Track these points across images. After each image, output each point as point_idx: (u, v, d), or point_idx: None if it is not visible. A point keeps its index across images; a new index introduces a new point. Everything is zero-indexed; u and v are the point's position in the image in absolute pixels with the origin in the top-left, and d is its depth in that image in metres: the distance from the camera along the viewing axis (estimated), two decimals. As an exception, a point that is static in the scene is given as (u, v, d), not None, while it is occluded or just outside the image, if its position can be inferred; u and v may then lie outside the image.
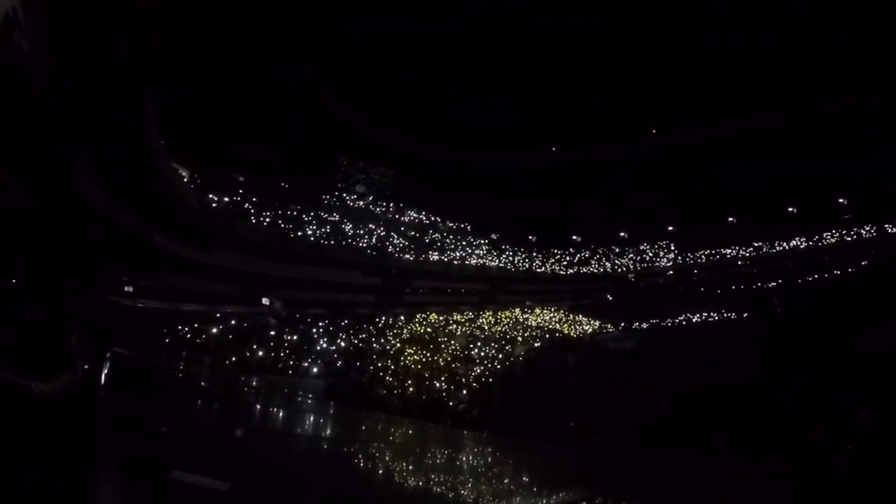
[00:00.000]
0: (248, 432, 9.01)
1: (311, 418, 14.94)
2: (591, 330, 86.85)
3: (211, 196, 57.40)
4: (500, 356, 55.57)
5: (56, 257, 27.05)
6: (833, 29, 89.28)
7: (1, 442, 3.68)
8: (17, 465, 3.53)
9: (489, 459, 13.34)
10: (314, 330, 49.09)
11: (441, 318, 71.36)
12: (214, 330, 40.72)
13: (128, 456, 4.16)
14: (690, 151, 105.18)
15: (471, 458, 13.04)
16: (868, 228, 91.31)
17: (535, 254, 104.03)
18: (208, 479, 4.16)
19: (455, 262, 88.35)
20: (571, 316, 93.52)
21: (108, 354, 10.10)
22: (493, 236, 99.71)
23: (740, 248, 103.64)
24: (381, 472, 7.98)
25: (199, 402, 11.84)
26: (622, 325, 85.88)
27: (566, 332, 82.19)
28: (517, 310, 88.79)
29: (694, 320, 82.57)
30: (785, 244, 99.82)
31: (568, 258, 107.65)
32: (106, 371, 8.53)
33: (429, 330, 63.52)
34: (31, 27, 16.77)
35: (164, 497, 3.89)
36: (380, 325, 61.34)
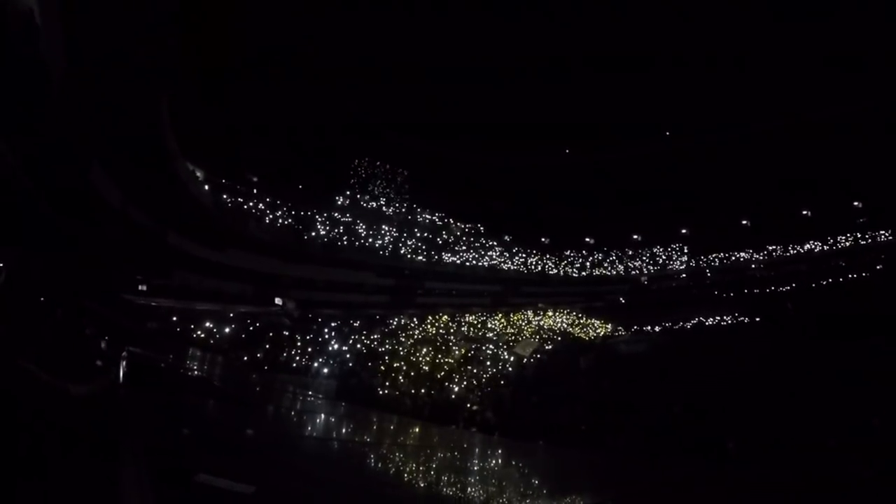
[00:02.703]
0: (265, 434, 9.09)
1: (327, 420, 15.03)
2: (603, 332, 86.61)
3: (225, 196, 57.67)
4: (512, 358, 55.51)
5: (72, 257, 27.26)
6: (848, 31, 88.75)
7: (36, 442, 3.74)
8: (48, 466, 3.60)
9: (500, 462, 13.38)
10: (327, 330, 49.14)
11: (453, 319, 71.33)
12: (228, 329, 40.88)
13: (152, 458, 4.23)
14: (704, 154, 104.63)
15: (483, 462, 13.08)
16: (884, 232, 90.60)
17: (547, 256, 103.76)
18: (232, 482, 4.22)
19: (468, 264, 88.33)
20: (584, 318, 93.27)
21: (124, 354, 10.19)
22: (506, 238, 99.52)
23: (754, 251, 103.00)
24: (397, 474, 8.05)
25: (215, 402, 11.92)
26: (634, 327, 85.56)
27: (578, 334, 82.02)
28: (529, 312, 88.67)
29: (707, 324, 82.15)
30: (799, 247, 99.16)
31: (581, 260, 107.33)
32: (123, 371, 8.63)
33: (441, 331, 63.52)
34: (49, 30, 16.95)
35: (191, 500, 3.95)
36: (392, 326, 61.40)
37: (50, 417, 4.19)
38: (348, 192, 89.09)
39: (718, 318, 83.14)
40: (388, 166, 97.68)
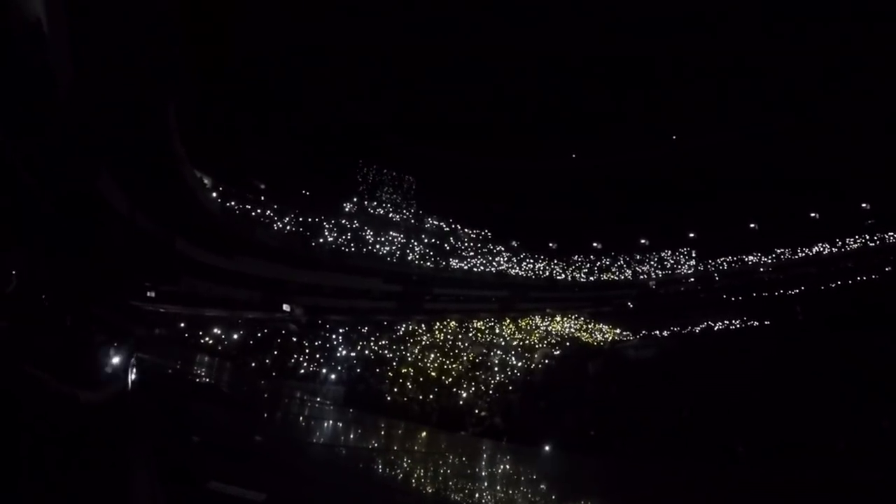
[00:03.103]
0: (273, 439, 9.08)
1: (335, 426, 15.00)
2: (611, 337, 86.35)
3: (232, 203, 57.73)
4: (520, 364, 55.43)
5: (80, 263, 27.31)
6: (856, 34, 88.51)
7: (46, 449, 3.73)
8: (58, 473, 3.58)
9: (509, 468, 13.33)
10: (334, 336, 49.14)
11: (461, 325, 71.21)
12: (236, 336, 40.93)
13: (162, 464, 4.22)
14: (711, 157, 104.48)
15: (491, 467, 13.03)
16: (892, 233, 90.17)
17: (555, 261, 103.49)
18: (244, 489, 4.22)
19: (475, 270, 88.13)
20: (592, 323, 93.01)
21: (133, 360, 10.20)
22: (514, 243, 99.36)
23: (762, 254, 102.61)
24: (406, 480, 8.03)
25: (224, 408, 11.92)
26: (643, 332, 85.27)
27: (586, 339, 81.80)
28: (537, 317, 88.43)
29: (715, 328, 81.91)
30: (807, 250, 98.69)
31: (588, 265, 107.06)
32: (132, 377, 8.62)
33: (448, 337, 63.41)
34: (56, 37, 17.02)
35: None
36: (400, 331, 61.34)
37: (59, 425, 4.18)
38: (356, 199, 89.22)
39: (727, 321, 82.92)
40: (395, 172, 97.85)
